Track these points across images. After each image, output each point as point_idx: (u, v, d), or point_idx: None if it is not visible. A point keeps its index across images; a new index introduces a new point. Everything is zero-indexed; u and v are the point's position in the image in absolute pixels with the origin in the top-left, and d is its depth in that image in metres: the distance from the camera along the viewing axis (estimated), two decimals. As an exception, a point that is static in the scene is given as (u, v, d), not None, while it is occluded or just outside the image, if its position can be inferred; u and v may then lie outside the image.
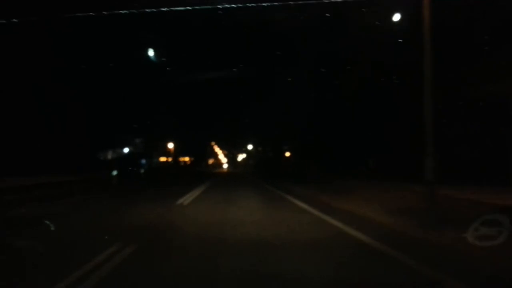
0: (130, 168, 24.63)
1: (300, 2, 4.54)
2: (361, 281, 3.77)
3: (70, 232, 6.49)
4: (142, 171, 28.60)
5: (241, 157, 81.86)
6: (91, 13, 4.74)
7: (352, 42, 12.64)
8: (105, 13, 4.71)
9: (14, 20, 4.84)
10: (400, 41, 10.89)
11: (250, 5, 4.34)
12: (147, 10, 4.45)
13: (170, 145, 47.42)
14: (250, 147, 48.22)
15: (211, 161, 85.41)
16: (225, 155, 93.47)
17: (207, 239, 5.91)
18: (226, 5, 4.47)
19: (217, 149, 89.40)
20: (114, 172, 15.71)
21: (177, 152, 52.60)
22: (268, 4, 4.31)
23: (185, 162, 60.15)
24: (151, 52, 13.82)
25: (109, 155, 26.95)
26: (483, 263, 4.14)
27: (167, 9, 4.37)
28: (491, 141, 12.31)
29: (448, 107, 11.79)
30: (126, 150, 30.37)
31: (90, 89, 18.41)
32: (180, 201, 11.53)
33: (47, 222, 6.22)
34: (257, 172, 43.35)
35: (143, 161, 34.86)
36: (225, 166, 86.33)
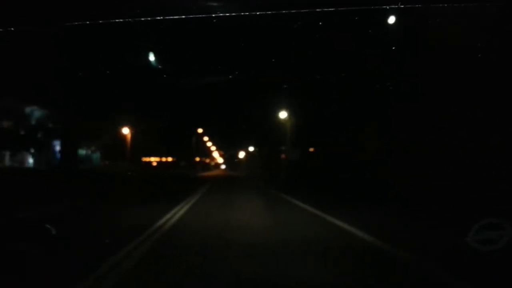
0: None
1: (293, 11, 4.78)
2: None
3: None
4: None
5: (242, 154, 63.74)
6: (87, 22, 5.03)
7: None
8: (101, 21, 5.06)
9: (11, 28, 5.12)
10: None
11: (243, 14, 4.73)
12: (142, 19, 4.82)
13: (125, 131, 28.95)
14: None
15: (207, 160, 75.93)
16: (222, 156, 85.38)
17: None
18: (220, 14, 4.71)
19: (212, 148, 73.55)
20: None
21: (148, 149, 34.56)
22: (262, 13, 4.74)
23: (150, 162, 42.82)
24: (151, 57, 11.74)
25: None
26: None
27: (162, 17, 4.66)
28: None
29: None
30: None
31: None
32: None
33: None
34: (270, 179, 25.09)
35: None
36: (223, 167, 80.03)
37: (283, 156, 23.36)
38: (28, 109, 19.80)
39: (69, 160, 19.21)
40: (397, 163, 15.10)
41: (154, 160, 47.49)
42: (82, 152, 27.40)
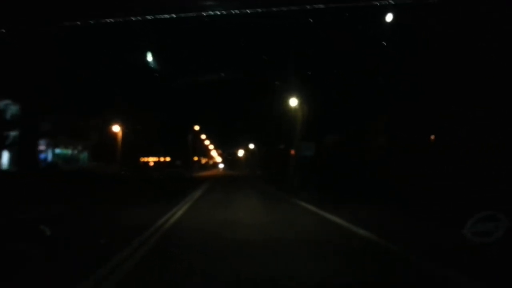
0: None
1: (285, 8, 4.80)
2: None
3: None
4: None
5: (241, 153, 62.25)
6: (90, 22, 5.11)
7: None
8: (106, 20, 5.07)
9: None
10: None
11: (240, 12, 4.69)
12: (139, 18, 4.88)
13: (116, 129, 27.45)
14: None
15: (204, 160, 74.43)
16: (220, 155, 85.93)
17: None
18: (218, 13, 4.79)
19: (210, 147, 72.15)
20: None
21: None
22: (254, 10, 4.69)
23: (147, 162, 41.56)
24: (148, 56, 13.16)
25: None
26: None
27: (152, 17, 4.72)
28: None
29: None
30: None
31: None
32: None
33: None
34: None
35: None
36: (221, 166, 79.03)
37: (292, 152, 20.61)
38: (1, 104, 17.89)
39: (26, 160, 16.76)
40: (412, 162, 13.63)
41: (151, 160, 46.14)
42: (67, 152, 25.79)
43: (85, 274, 4.15)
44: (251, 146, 48.54)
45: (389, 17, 10.81)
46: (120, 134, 28.86)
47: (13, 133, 17.36)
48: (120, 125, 28.29)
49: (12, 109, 18.06)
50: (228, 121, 44.48)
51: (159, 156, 48.92)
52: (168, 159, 49.87)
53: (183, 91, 29.79)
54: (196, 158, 59.11)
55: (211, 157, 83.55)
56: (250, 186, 22.37)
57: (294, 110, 18.33)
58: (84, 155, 26.78)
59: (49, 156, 24.43)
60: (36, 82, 15.25)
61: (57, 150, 25.17)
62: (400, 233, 6.60)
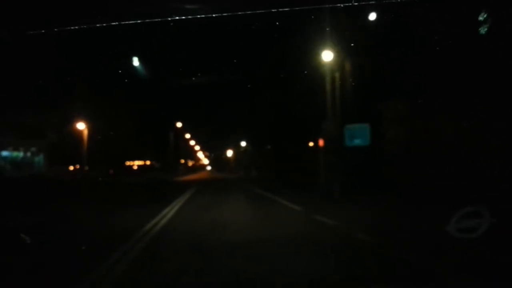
0: None
1: (280, 10, 4.84)
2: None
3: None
4: None
5: (230, 153, 58.31)
6: (84, 26, 4.98)
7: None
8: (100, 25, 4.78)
9: None
10: None
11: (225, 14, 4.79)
12: (130, 22, 4.74)
13: (81, 126, 23.03)
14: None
15: (190, 163, 72.74)
16: (207, 156, 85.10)
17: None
18: (201, 16, 4.70)
19: (196, 148, 69.27)
20: None
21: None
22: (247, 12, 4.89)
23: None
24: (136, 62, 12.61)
25: None
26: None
27: (137, 21, 4.70)
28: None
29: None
30: None
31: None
32: None
33: None
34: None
35: None
36: (208, 168, 78.44)
37: (320, 142, 13.66)
38: None
39: None
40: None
41: (136, 163, 42.28)
42: (18, 154, 21.25)
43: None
44: (243, 144, 44.12)
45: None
46: (85, 133, 24.31)
47: None
48: (85, 122, 23.78)
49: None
50: (214, 120, 42.36)
51: (145, 160, 45.37)
52: (148, 162, 46.42)
53: (166, 91, 27.79)
54: (182, 161, 55.10)
55: (198, 159, 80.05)
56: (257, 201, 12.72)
57: (328, 68, 12.61)
58: (39, 158, 22.22)
59: (-6, 160, 19.89)
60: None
61: (4, 153, 20.65)
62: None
